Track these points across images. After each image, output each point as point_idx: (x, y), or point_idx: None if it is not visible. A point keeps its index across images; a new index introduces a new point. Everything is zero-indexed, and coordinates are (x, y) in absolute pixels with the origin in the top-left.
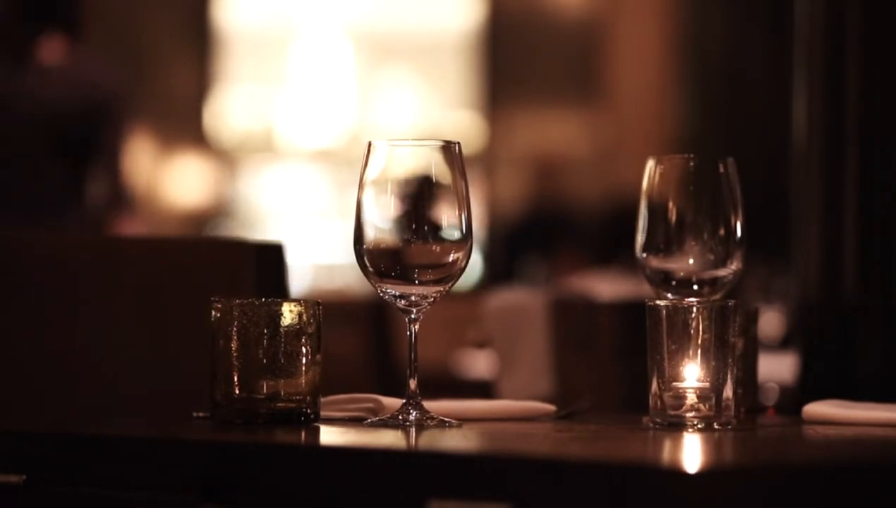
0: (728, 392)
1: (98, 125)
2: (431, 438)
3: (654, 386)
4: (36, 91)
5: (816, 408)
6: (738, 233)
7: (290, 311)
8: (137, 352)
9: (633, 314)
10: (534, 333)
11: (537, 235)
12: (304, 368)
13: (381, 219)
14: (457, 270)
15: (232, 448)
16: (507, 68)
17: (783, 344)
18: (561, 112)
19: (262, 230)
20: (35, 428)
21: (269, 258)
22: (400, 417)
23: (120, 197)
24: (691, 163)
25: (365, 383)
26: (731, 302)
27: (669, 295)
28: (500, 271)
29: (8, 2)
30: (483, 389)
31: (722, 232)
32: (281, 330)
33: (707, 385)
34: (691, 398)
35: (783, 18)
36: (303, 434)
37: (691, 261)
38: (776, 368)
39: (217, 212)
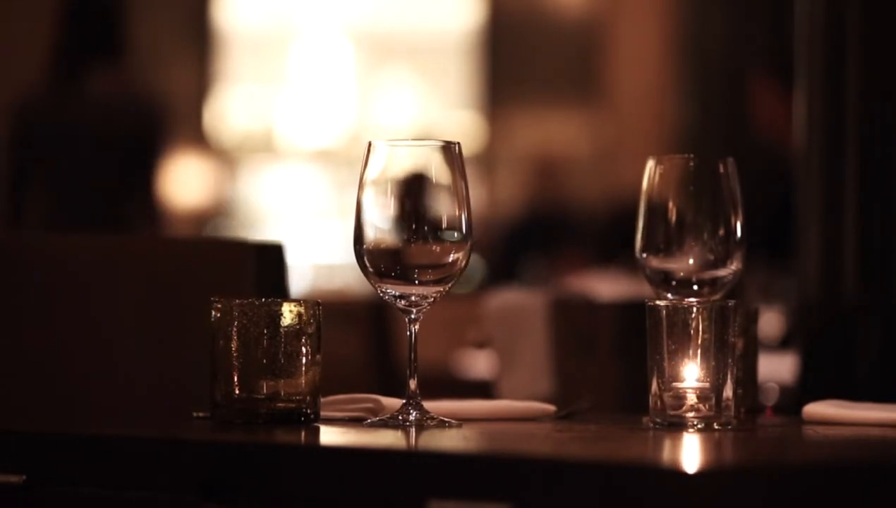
0: (728, 392)
1: (143, 141)
2: (431, 438)
3: (654, 386)
4: (88, 116)
5: (816, 408)
6: (738, 233)
7: (290, 311)
8: (138, 352)
9: (633, 314)
10: (534, 333)
11: (537, 235)
12: (304, 368)
13: (381, 219)
14: (457, 270)
15: (232, 448)
16: (507, 68)
17: (783, 344)
18: (561, 112)
19: (262, 230)
20: (35, 428)
21: (269, 258)
22: (400, 417)
23: (156, 210)
24: (691, 163)
25: (365, 383)
26: (731, 302)
27: (669, 295)
28: (500, 271)
29: (62, 34)
30: (483, 389)
31: (722, 232)
32: (281, 330)
33: (707, 385)
34: (691, 398)
35: (783, 18)
36: (303, 434)
37: (691, 261)
38: (776, 368)
39: (217, 212)
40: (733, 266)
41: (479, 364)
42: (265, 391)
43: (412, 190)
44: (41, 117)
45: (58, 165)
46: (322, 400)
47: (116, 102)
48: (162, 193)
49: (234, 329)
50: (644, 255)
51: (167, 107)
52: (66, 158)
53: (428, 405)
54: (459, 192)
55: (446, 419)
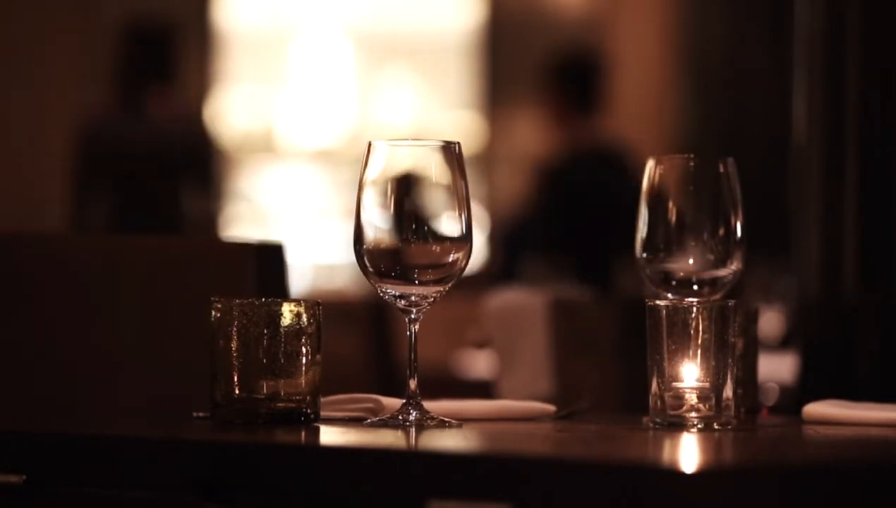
0: (728, 392)
1: (194, 154)
2: (431, 438)
3: (654, 386)
4: (146, 135)
5: (816, 408)
6: (738, 233)
7: (290, 311)
8: (137, 352)
9: (633, 314)
10: (534, 333)
11: (537, 235)
12: (304, 368)
13: (381, 219)
14: (457, 270)
15: (232, 448)
16: (507, 68)
17: (783, 344)
18: None
19: (262, 230)
20: (35, 428)
21: (269, 258)
22: (400, 417)
23: (220, 210)
24: (691, 163)
25: (365, 383)
26: (731, 302)
27: (669, 295)
28: (500, 271)
29: (125, 64)
30: (483, 389)
31: (722, 232)
32: (281, 330)
33: (707, 385)
34: (691, 398)
35: (783, 18)
36: (303, 434)
37: (691, 261)
38: (776, 368)
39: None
40: (733, 266)
41: (479, 364)
42: (265, 391)
43: (412, 190)
44: (106, 137)
45: (120, 179)
46: (322, 400)
47: (170, 123)
48: (213, 199)
49: (234, 329)
50: (644, 255)
51: (212, 126)
52: (128, 172)
53: (428, 405)
54: (459, 192)
55: (446, 419)
